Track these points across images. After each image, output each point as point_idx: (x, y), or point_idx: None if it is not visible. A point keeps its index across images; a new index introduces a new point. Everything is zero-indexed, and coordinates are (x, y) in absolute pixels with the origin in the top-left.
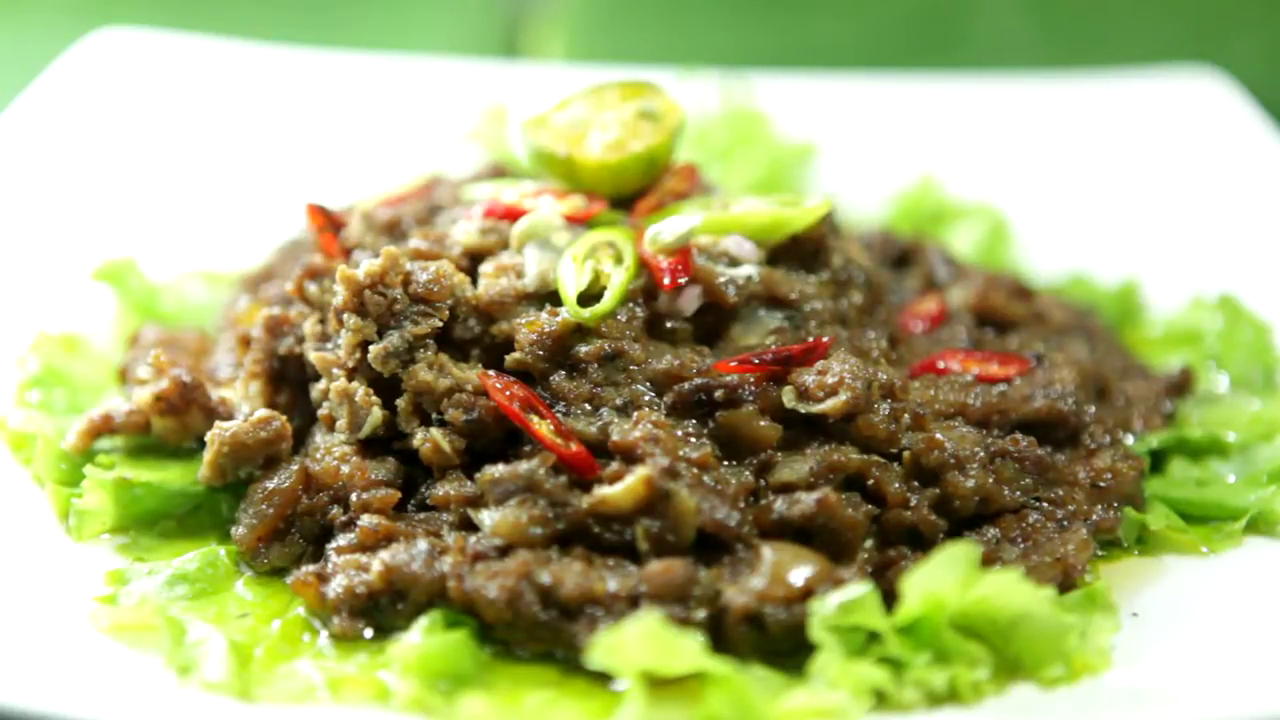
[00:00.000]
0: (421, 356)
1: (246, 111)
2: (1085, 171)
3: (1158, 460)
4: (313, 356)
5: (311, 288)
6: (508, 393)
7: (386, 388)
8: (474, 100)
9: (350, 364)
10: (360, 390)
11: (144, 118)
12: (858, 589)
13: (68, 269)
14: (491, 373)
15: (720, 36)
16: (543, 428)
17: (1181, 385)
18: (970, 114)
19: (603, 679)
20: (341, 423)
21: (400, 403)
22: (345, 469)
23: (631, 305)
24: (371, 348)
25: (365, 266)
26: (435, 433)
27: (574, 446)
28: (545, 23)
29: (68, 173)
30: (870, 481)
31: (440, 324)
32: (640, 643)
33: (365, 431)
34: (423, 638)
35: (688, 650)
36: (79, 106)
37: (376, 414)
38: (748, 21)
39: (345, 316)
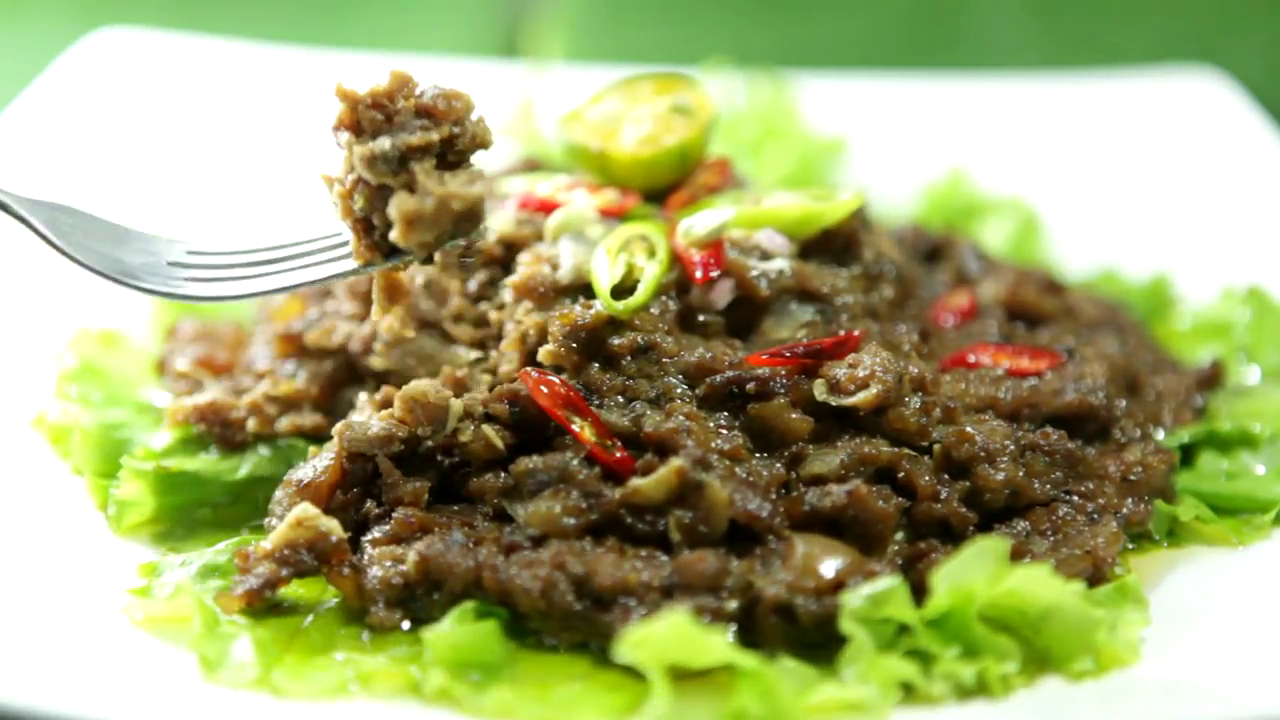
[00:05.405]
0: (418, 169)
1: (246, 112)
2: (1094, 170)
3: (1188, 453)
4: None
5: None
6: (548, 392)
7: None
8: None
9: (348, 183)
10: (432, 390)
11: (145, 118)
12: (888, 581)
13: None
14: (533, 370)
15: (721, 35)
16: (585, 430)
17: (1212, 378)
18: (974, 114)
19: (634, 671)
20: (424, 429)
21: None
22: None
23: (664, 298)
24: (356, 148)
25: (371, 85)
26: (487, 429)
27: (618, 453)
28: (545, 23)
29: (66, 172)
30: (901, 474)
31: (439, 138)
32: (667, 638)
33: (450, 425)
34: (452, 627)
35: (715, 645)
36: (80, 106)
37: (457, 405)
38: (749, 20)
39: (338, 134)
